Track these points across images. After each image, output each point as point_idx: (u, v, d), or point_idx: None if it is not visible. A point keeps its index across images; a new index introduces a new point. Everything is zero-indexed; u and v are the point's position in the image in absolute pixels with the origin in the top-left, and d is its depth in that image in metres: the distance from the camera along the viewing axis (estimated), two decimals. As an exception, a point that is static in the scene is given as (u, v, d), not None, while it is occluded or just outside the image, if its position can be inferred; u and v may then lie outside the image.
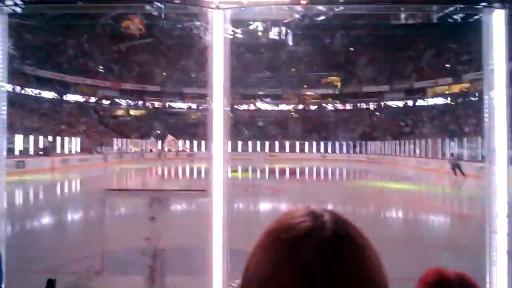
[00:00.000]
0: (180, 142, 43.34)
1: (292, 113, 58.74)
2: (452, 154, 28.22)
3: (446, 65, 48.85)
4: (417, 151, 35.91)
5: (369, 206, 15.04)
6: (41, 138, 31.25)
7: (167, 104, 56.38)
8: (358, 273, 0.55)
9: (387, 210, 14.24)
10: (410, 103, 52.39)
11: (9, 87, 29.93)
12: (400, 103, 53.27)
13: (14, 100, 32.56)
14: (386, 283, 0.58)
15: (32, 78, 42.14)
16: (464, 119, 40.11)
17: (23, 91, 40.00)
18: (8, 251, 2.56)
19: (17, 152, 27.47)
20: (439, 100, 48.61)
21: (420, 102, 51.19)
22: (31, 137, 29.75)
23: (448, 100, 47.36)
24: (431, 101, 49.79)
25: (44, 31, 36.65)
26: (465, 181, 22.37)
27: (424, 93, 51.49)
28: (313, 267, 0.53)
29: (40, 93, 42.94)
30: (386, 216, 13.06)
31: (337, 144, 49.21)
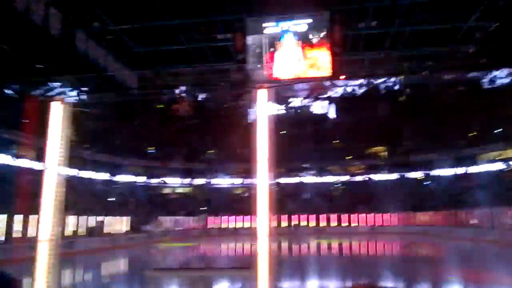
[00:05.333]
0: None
1: (338, 185, 57.73)
2: None
3: (497, 129, 47.18)
4: (473, 221, 33.67)
5: (425, 282, 13.94)
6: (91, 218, 32.24)
7: (212, 181, 57.24)
8: None
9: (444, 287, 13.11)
10: (461, 170, 50.20)
11: (67, 171, 31.69)
12: (451, 171, 51.17)
13: (70, 183, 34.30)
14: None
15: (87, 161, 44.59)
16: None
17: (78, 174, 42.16)
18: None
19: (68, 233, 28.32)
20: (492, 167, 46.30)
21: (471, 169, 48.93)
22: (82, 217, 30.77)
23: (503, 166, 45.02)
24: (483, 168, 47.50)
25: (100, 117, 39.35)
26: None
27: (475, 160, 49.44)
28: None
29: (94, 176, 45.05)
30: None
31: (386, 215, 47.28)
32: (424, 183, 53.15)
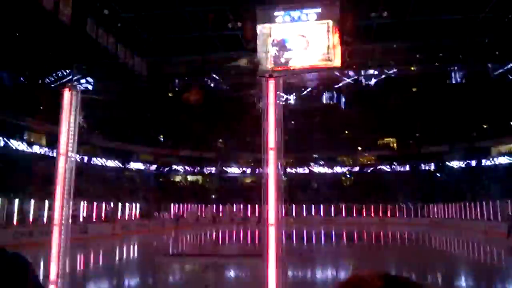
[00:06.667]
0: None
1: (348, 175, 57.52)
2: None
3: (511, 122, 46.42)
4: (485, 214, 33.31)
5: (436, 274, 13.93)
6: (103, 204, 32.67)
7: (222, 169, 57.43)
8: None
9: (456, 279, 13.10)
10: (473, 163, 49.55)
11: (78, 157, 32.00)
12: (463, 164, 50.56)
13: (81, 169, 34.70)
14: None
15: (98, 148, 45.02)
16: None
17: (90, 161, 42.62)
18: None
19: (81, 219, 28.76)
20: (505, 160, 45.62)
21: (484, 162, 48.28)
22: (95, 204, 31.18)
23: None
24: (496, 161, 46.82)
25: (112, 105, 39.61)
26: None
27: (488, 152, 48.73)
28: None
29: (105, 163, 45.52)
30: (456, 285, 11.99)
31: (396, 207, 47.08)
32: (435, 175, 52.70)
